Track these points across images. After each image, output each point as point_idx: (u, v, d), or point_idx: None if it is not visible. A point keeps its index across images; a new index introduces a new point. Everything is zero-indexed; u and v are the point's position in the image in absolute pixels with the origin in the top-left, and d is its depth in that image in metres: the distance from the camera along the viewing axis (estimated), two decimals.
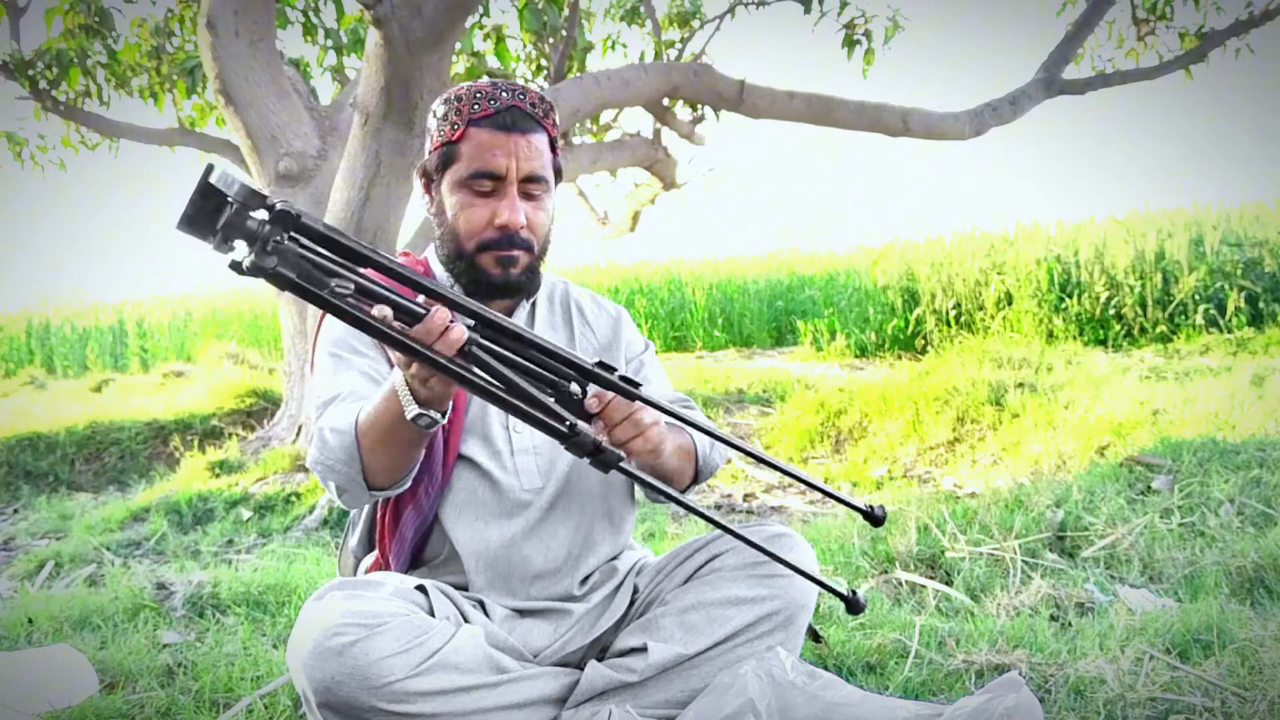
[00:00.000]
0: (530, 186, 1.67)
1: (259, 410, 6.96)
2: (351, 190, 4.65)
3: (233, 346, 10.81)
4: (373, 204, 4.65)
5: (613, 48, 8.56)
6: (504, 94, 1.67)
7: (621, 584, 1.80)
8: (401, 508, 1.72)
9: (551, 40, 6.88)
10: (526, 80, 7.59)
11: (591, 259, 14.81)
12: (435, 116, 1.70)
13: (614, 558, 1.84)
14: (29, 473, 6.36)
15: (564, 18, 6.72)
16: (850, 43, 6.66)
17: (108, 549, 4.45)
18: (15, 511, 5.78)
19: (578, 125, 7.14)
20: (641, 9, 7.88)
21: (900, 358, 9.39)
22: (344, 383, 1.67)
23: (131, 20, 7.61)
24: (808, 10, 5.73)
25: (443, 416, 1.43)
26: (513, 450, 1.75)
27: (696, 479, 1.82)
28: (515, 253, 1.68)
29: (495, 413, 1.75)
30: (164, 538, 4.57)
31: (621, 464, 1.42)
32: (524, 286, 1.73)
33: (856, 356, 9.78)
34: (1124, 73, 8.25)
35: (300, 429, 5.52)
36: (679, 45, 7.67)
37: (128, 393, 9.55)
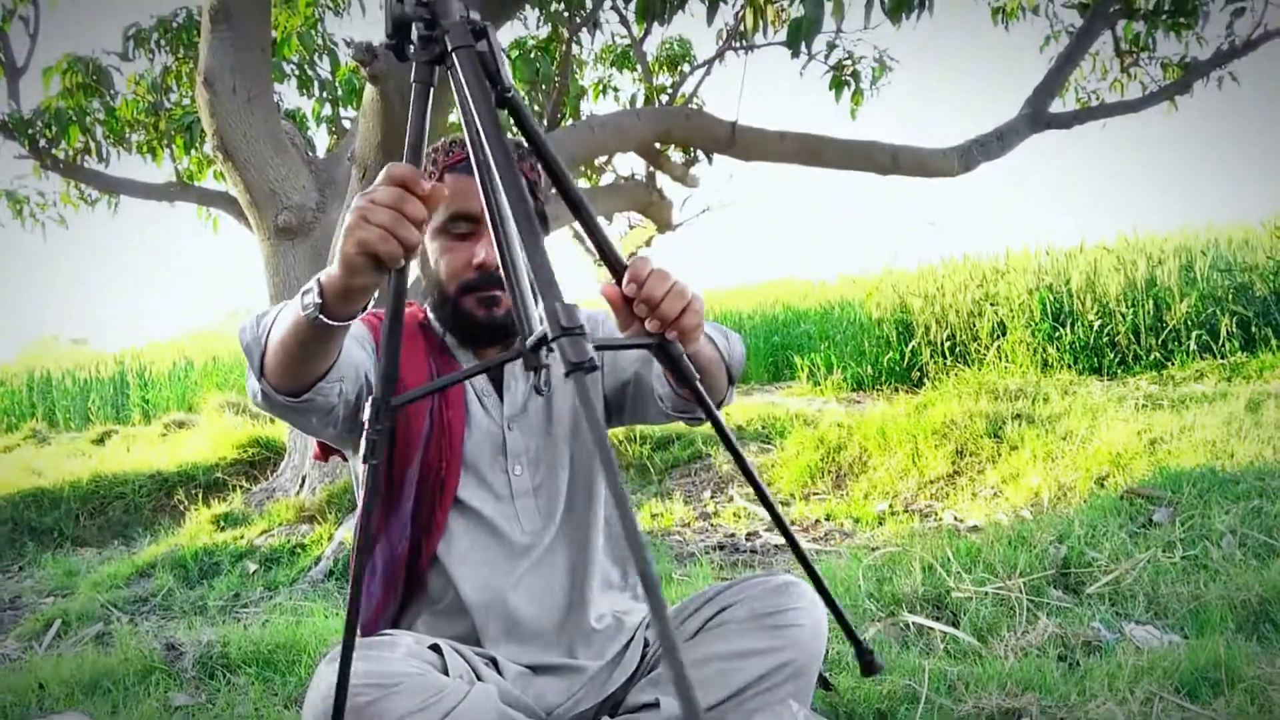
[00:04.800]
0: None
1: (261, 460, 6.97)
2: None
3: (233, 396, 10.83)
4: None
5: (604, 92, 8.66)
6: None
7: (632, 639, 1.81)
8: (374, 538, 1.71)
9: (545, 87, 6.96)
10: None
11: (587, 298, 14.89)
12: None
13: (624, 592, 1.85)
14: (33, 529, 6.37)
15: (556, 66, 6.81)
16: (838, 84, 6.75)
17: (115, 606, 4.46)
18: (20, 569, 5.78)
19: (572, 171, 7.21)
20: (632, 54, 7.98)
21: (897, 390, 9.42)
22: None
23: (129, 77, 7.70)
24: (795, 55, 5.79)
25: (328, 318, 1.30)
26: (513, 493, 1.75)
27: (731, 378, 1.77)
28: (496, 292, 1.69)
29: (492, 453, 1.75)
30: (171, 593, 4.58)
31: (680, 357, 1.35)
32: (510, 327, 1.72)
33: (854, 390, 9.82)
34: (1109, 105, 8.36)
35: (304, 479, 5.54)
36: (670, 90, 7.76)
37: (130, 444, 9.57)
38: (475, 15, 1.17)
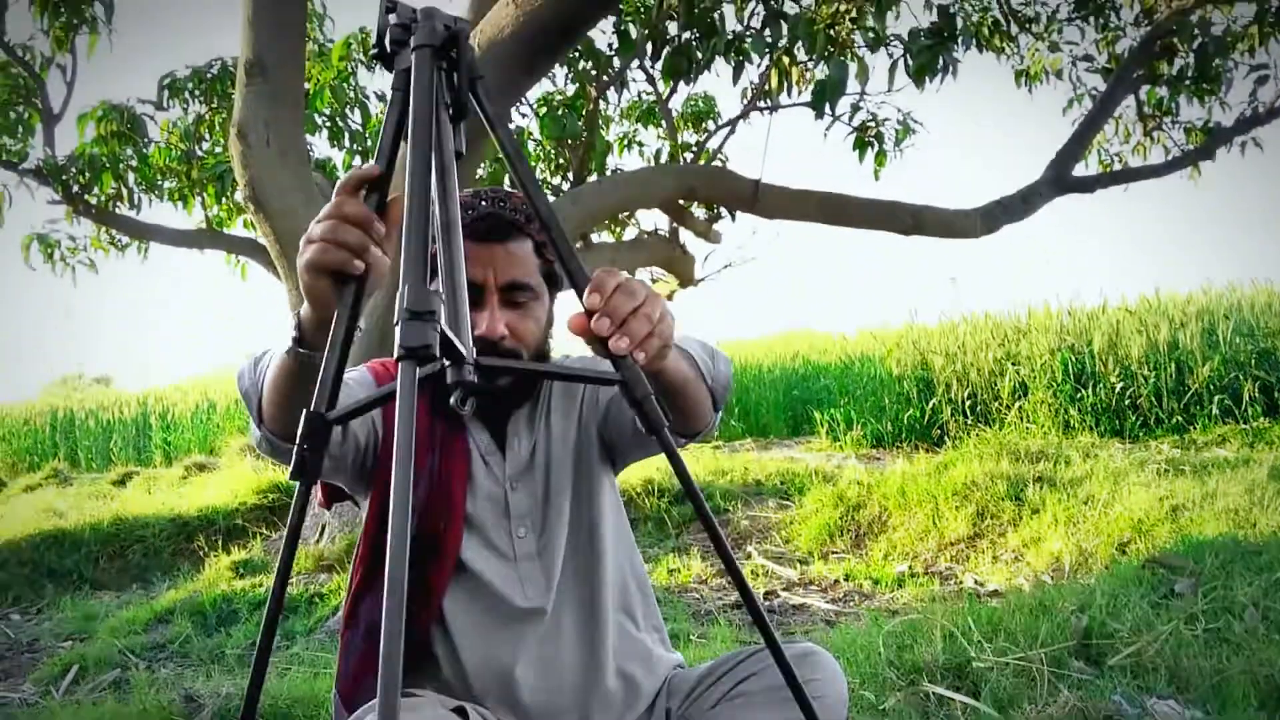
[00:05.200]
0: (514, 295, 1.60)
1: (281, 506, 7.00)
2: (379, 295, 4.74)
3: None
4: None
5: (629, 147, 8.75)
6: (482, 203, 1.59)
7: (653, 706, 1.80)
8: (363, 590, 1.65)
9: (571, 143, 7.05)
10: (546, 181, 7.76)
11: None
12: None
13: (642, 633, 1.79)
14: (53, 571, 6.39)
15: (583, 123, 6.89)
16: (862, 145, 6.81)
17: (132, 652, 4.47)
18: (39, 611, 5.81)
19: (597, 225, 7.28)
20: (657, 110, 8.07)
21: (917, 448, 9.40)
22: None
23: (162, 124, 7.83)
24: (819, 115, 5.87)
25: (307, 348, 1.25)
26: (515, 557, 1.67)
27: (715, 401, 1.62)
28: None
29: (496, 515, 1.68)
30: (188, 640, 4.59)
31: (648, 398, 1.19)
32: (515, 396, 1.67)
33: (873, 447, 9.81)
34: (1132, 170, 8.41)
35: (324, 528, 5.56)
36: (694, 147, 7.85)
37: (151, 486, 9.62)
38: (460, 26, 1.17)
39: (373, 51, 1.17)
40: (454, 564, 1.63)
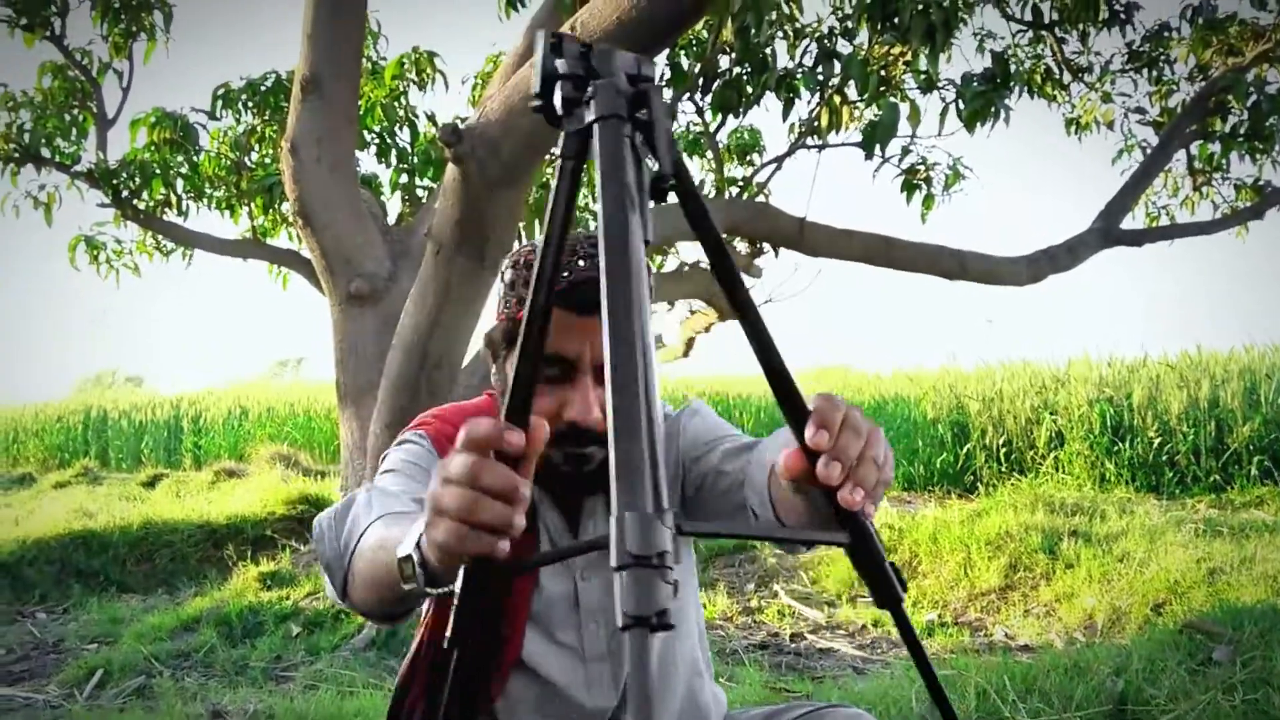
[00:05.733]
0: None
1: (310, 518, 7.01)
2: (420, 316, 4.76)
3: (285, 448, 10.96)
4: (440, 330, 4.76)
5: None
6: (580, 262, 1.38)
7: None
8: (418, 691, 1.49)
9: None
10: (588, 206, 7.76)
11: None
12: (502, 281, 1.47)
13: (704, 682, 1.66)
14: (80, 571, 6.43)
15: None
16: (910, 187, 6.79)
17: (157, 659, 4.49)
18: (65, 611, 5.84)
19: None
20: (703, 141, 8.08)
21: (949, 493, 9.33)
22: (409, 491, 1.39)
23: (212, 132, 7.92)
24: (869, 156, 5.85)
25: (433, 588, 1.04)
26: (584, 656, 1.51)
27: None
28: (588, 449, 1.41)
29: (565, 609, 1.51)
30: (213, 650, 4.60)
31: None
32: (599, 482, 1.38)
33: (904, 490, 9.74)
34: (1180, 226, 8.33)
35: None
36: (741, 183, 7.85)
37: (180, 490, 9.69)
38: (645, 70, 0.95)
39: (533, 103, 0.95)
40: (513, 662, 1.48)
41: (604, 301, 0.82)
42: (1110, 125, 8.34)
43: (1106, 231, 7.39)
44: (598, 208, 0.88)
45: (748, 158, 8.53)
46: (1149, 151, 8.09)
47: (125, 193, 7.51)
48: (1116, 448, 8.69)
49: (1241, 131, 7.69)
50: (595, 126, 0.90)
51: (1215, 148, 8.07)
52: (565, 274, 1.37)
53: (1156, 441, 8.56)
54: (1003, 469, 9.23)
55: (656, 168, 0.91)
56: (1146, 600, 4.61)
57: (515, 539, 0.95)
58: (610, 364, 0.79)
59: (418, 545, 1.02)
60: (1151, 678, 3.26)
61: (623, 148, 0.89)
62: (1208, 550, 5.04)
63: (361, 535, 1.23)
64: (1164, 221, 9.09)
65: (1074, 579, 5.11)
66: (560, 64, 0.94)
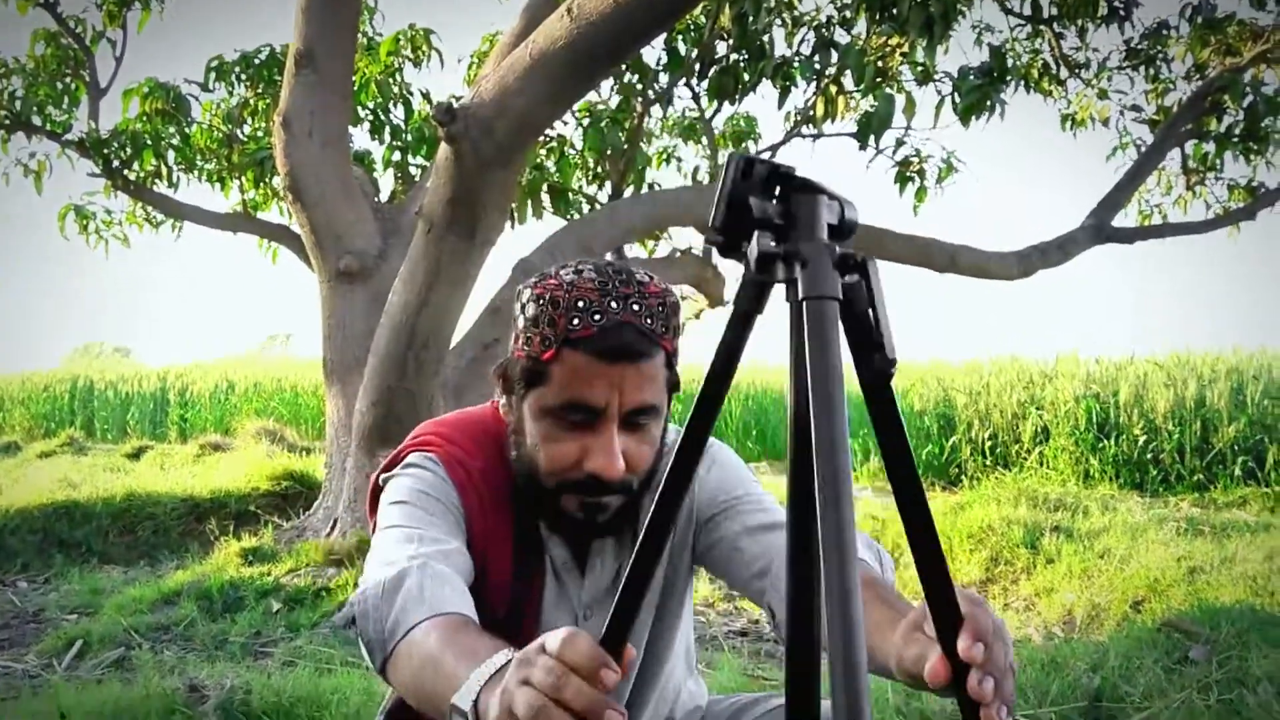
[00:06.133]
0: (636, 419, 1.32)
1: (294, 494, 7.00)
2: (409, 294, 4.76)
3: (271, 424, 10.94)
4: (429, 309, 4.75)
5: (667, 161, 8.75)
6: (612, 304, 1.27)
7: None
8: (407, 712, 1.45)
9: (611, 155, 7.05)
10: (581, 189, 7.75)
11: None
12: (523, 313, 1.34)
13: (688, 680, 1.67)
14: (63, 542, 6.40)
15: (625, 136, 6.89)
16: (903, 179, 6.79)
17: (137, 631, 4.47)
18: (46, 581, 5.82)
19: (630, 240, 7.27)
20: (699, 127, 8.07)
21: (934, 485, 9.36)
22: (429, 528, 1.34)
23: (204, 105, 7.88)
24: (863, 147, 5.85)
25: None
26: None
27: None
28: (605, 499, 1.34)
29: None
30: (193, 624, 4.59)
31: None
32: (615, 530, 1.41)
33: (889, 480, 9.75)
34: (1172, 225, 8.37)
35: (335, 523, 5.56)
36: None
37: (165, 462, 9.66)
38: (849, 215, 0.88)
39: (713, 229, 0.87)
40: None
41: (817, 480, 0.76)
42: (1105, 122, 8.34)
43: (1098, 229, 7.41)
44: (789, 386, 0.85)
45: (743, 145, 8.52)
46: (1144, 149, 8.09)
47: (116, 163, 7.48)
48: (1101, 444, 8.72)
49: (1237, 132, 7.70)
50: (804, 304, 0.81)
51: (1210, 147, 8.09)
52: (597, 317, 1.27)
53: (1142, 439, 8.58)
54: (987, 463, 9.26)
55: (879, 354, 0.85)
56: (1126, 597, 4.63)
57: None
58: (823, 536, 0.75)
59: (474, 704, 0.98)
60: (1128, 675, 3.28)
61: (835, 331, 0.81)
62: (1189, 549, 5.06)
63: (409, 631, 1.16)
64: (1156, 220, 9.11)
65: (1054, 574, 5.12)
66: (755, 204, 0.85)
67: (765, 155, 7.65)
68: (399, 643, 1.17)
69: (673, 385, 1.37)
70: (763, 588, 1.37)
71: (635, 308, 1.28)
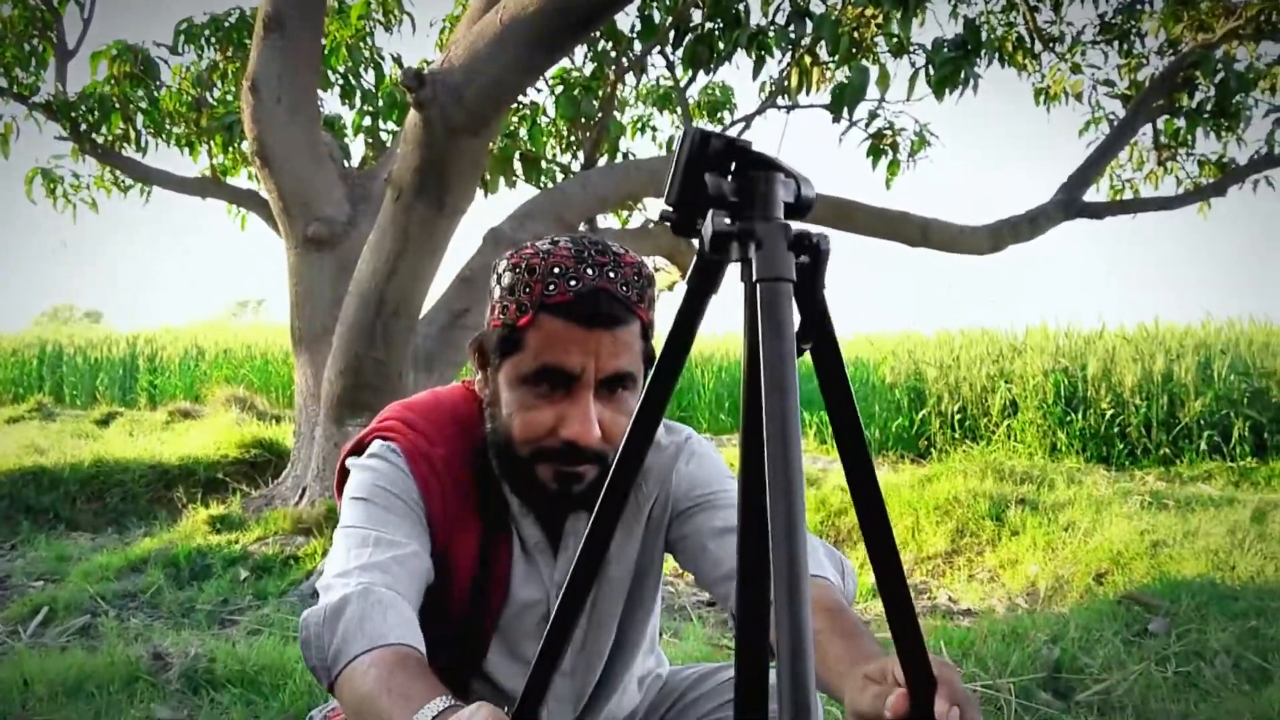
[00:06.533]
0: (612, 385, 1.32)
1: (263, 462, 6.97)
2: (378, 262, 4.72)
3: (241, 391, 10.87)
4: (398, 277, 4.72)
5: (642, 130, 8.71)
6: (588, 270, 1.29)
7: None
8: None
9: (585, 123, 7.01)
10: (554, 158, 7.71)
11: None
12: (499, 283, 1.35)
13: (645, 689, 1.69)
14: (30, 508, 6.37)
15: (599, 104, 6.86)
16: (876, 152, 6.79)
17: (103, 599, 4.45)
18: (13, 548, 5.78)
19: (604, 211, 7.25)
20: (673, 96, 8.03)
21: (904, 457, 9.42)
22: (386, 529, 1.34)
23: (173, 68, 7.78)
24: (837, 119, 5.84)
25: None
26: None
27: None
28: (581, 468, 1.33)
29: (533, 623, 1.46)
30: (160, 591, 4.57)
31: None
32: (589, 503, 1.32)
33: None
34: (1142, 200, 8.41)
35: (304, 491, 5.54)
36: None
37: (134, 429, 9.60)
38: (806, 193, 0.86)
39: (664, 211, 0.87)
40: (476, 671, 1.47)
41: (767, 467, 0.76)
42: (1079, 97, 8.36)
43: (1069, 204, 7.44)
44: (743, 368, 0.85)
45: (718, 115, 8.49)
46: (1116, 124, 8.12)
47: (84, 126, 7.38)
48: (1069, 418, 8.79)
49: (1208, 108, 7.73)
50: (757, 286, 0.81)
51: (1181, 123, 8.12)
52: (573, 283, 1.28)
53: (1109, 413, 8.65)
54: (956, 435, 9.31)
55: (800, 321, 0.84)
56: (1089, 570, 4.68)
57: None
58: (772, 521, 0.75)
59: None
60: (1087, 647, 3.32)
61: (789, 314, 0.81)
62: (1152, 522, 5.11)
63: (350, 663, 1.17)
64: (1128, 194, 9.16)
65: (1019, 546, 5.17)
66: (710, 180, 0.84)
67: (739, 124, 7.65)
68: (341, 672, 1.17)
69: (649, 358, 1.36)
70: (727, 592, 1.37)
71: (611, 275, 1.29)
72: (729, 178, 0.86)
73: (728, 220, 0.84)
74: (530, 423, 1.33)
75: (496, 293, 1.35)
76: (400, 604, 1.24)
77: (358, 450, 1.47)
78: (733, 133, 6.76)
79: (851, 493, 0.92)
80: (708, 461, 1.52)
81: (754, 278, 0.82)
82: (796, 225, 0.87)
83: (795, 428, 0.78)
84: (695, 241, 0.88)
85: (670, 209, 0.87)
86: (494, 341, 1.35)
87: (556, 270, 1.29)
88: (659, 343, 0.93)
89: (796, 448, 0.78)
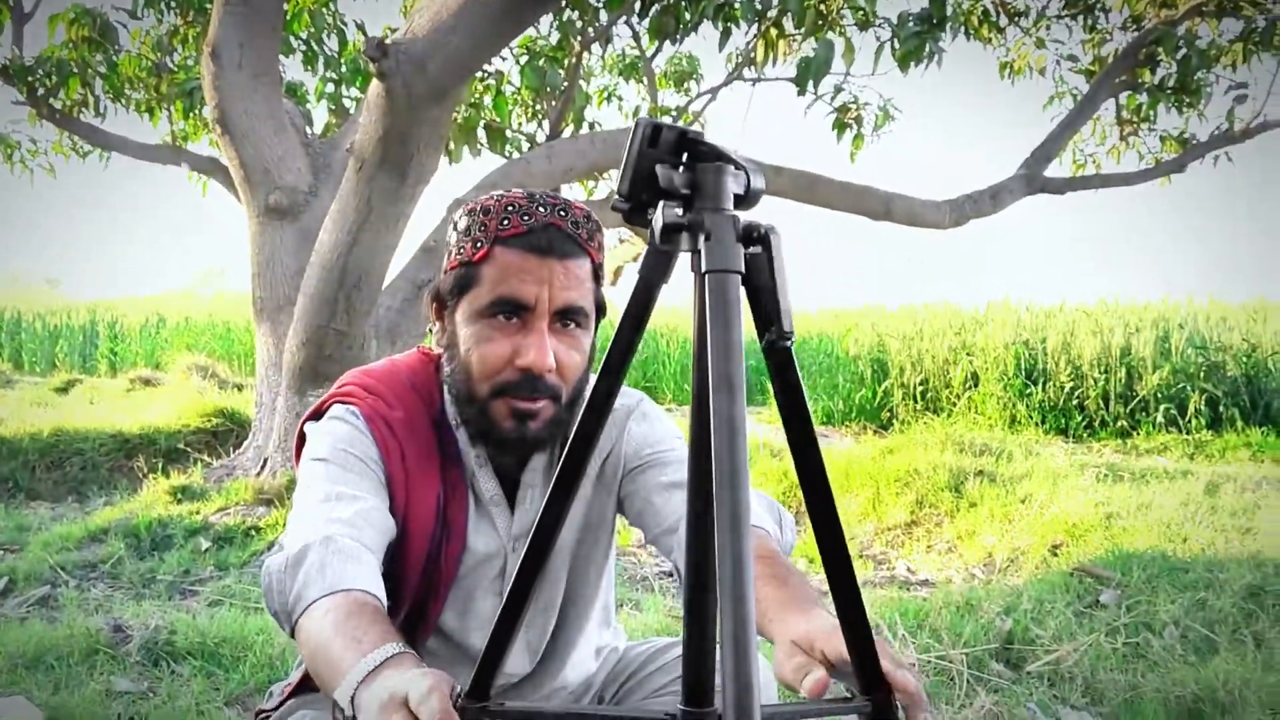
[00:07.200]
0: (565, 320, 1.38)
1: (224, 432, 6.93)
2: (340, 233, 4.70)
3: (202, 359, 10.79)
4: (359, 248, 4.70)
5: (608, 100, 8.68)
6: (540, 209, 1.36)
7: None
8: None
9: (550, 94, 6.98)
10: (519, 128, 7.67)
11: None
12: (456, 230, 1.41)
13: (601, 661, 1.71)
14: None
15: (564, 74, 6.82)
16: (841, 126, 6.81)
17: (63, 569, 4.43)
18: None
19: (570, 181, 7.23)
20: (640, 66, 8.00)
21: (866, 428, 9.50)
22: (347, 485, 1.36)
23: (133, 33, 7.66)
24: (802, 92, 5.84)
25: None
26: None
27: None
28: (538, 404, 1.38)
29: (490, 578, 1.49)
30: (120, 562, 4.55)
31: None
32: (543, 444, 1.44)
33: (823, 424, 9.88)
34: (1104, 176, 8.48)
35: (266, 462, 5.52)
36: (674, 112, 7.79)
37: (94, 396, 9.53)
38: (755, 184, 0.87)
39: (615, 202, 0.88)
40: (433, 624, 1.48)
41: (713, 463, 0.78)
42: (1042, 72, 8.40)
43: (1031, 179, 7.49)
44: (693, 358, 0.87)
45: (685, 86, 8.47)
46: (1079, 99, 8.18)
47: (41, 91, 7.26)
48: (1029, 390, 8.89)
49: (1170, 84, 7.80)
50: (706, 278, 0.82)
51: (1144, 99, 8.18)
52: (526, 218, 1.35)
53: (1068, 386, 8.77)
54: (918, 407, 9.41)
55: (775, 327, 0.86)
56: (1044, 541, 4.75)
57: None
58: (717, 512, 0.77)
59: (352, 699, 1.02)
60: (1039, 618, 3.39)
61: (737, 306, 0.82)
62: (1107, 495, 5.20)
63: (309, 607, 1.18)
64: (1090, 169, 9.23)
65: (976, 518, 5.24)
66: (661, 172, 0.85)
67: (706, 95, 7.64)
68: (300, 617, 1.19)
69: (599, 304, 1.43)
70: (671, 545, 1.43)
71: (562, 214, 1.37)
72: (680, 169, 0.87)
73: (678, 212, 0.86)
74: (487, 355, 1.37)
75: (454, 239, 1.41)
76: (362, 553, 1.26)
77: (317, 416, 1.50)
78: (699, 104, 6.74)
79: (803, 489, 0.94)
80: (658, 423, 1.56)
81: (703, 269, 0.83)
82: (746, 216, 0.88)
83: (741, 422, 0.80)
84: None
85: (622, 199, 0.88)
86: (450, 282, 1.40)
87: (510, 208, 1.36)
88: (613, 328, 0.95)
89: (742, 442, 0.79)
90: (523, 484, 1.49)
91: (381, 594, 1.23)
